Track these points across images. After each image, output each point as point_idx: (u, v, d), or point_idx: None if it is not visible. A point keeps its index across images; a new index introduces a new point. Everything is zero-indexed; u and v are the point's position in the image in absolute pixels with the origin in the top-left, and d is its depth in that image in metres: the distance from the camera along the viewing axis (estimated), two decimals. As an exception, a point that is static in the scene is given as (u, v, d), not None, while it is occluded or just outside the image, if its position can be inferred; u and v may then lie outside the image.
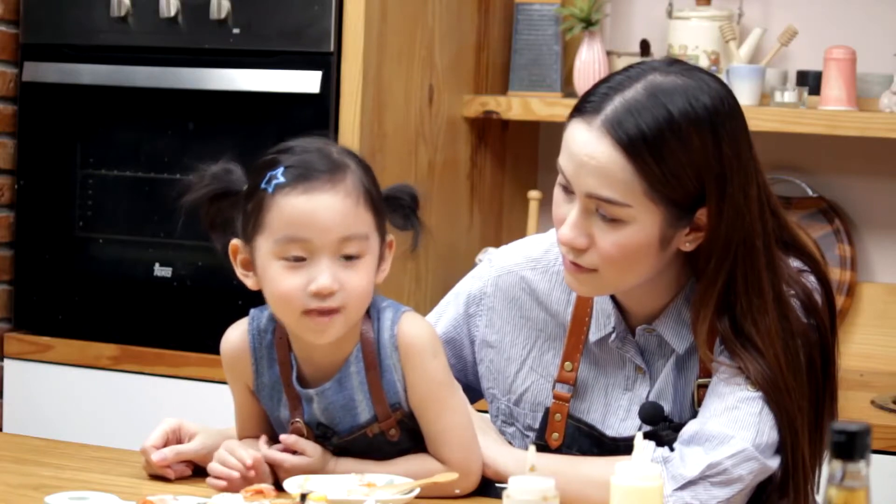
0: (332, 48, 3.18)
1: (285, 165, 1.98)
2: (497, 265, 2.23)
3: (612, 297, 2.11)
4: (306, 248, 1.95)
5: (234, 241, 2.03)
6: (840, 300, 3.35)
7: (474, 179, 3.55)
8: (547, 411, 2.15)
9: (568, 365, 2.15)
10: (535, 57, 3.54)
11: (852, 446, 1.35)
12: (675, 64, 2.01)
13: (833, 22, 3.45)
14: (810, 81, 3.34)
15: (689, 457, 1.97)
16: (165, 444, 2.11)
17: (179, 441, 2.13)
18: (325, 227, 1.94)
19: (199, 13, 3.27)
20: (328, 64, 3.18)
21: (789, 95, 3.27)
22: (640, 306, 2.10)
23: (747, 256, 1.98)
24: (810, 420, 2.01)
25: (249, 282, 2.03)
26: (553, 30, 3.53)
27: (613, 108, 1.94)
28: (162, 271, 3.36)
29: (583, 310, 2.14)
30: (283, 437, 2.05)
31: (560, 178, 2.01)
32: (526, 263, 2.21)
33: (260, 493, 1.93)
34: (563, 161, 1.99)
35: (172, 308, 3.35)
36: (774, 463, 1.99)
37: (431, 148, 3.40)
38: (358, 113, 3.16)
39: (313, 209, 1.95)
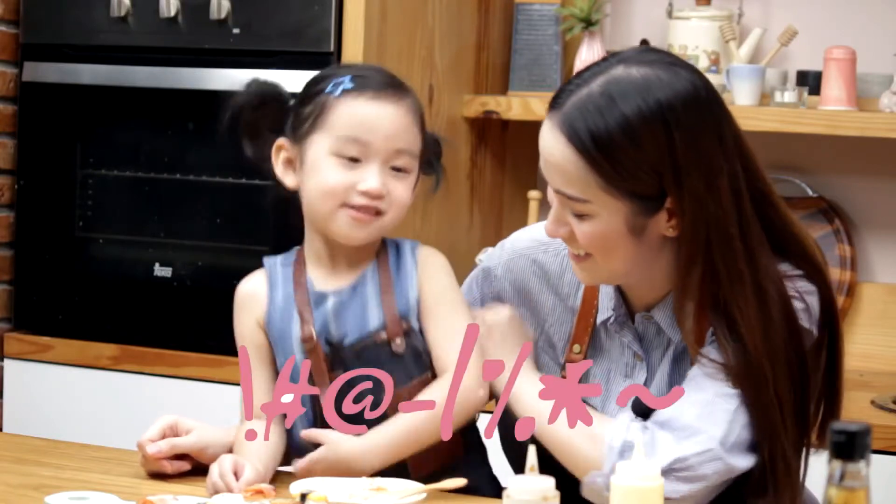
0: (332, 48, 3.18)
1: (353, 75, 2.09)
2: (509, 249, 2.26)
3: None
4: (363, 150, 2.05)
5: (280, 140, 2.12)
6: (840, 300, 3.34)
7: (474, 179, 3.55)
8: None
9: (576, 347, 2.16)
10: (535, 57, 3.54)
11: (852, 446, 1.35)
12: (645, 53, 2.01)
13: (833, 22, 3.44)
14: (810, 81, 3.34)
15: (659, 444, 1.95)
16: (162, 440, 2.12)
17: (176, 437, 2.13)
18: (387, 133, 2.07)
19: (199, 13, 3.27)
20: (328, 64, 3.17)
21: (789, 95, 3.27)
22: (640, 293, 2.11)
23: (721, 245, 1.97)
24: (793, 415, 2.00)
25: (289, 179, 2.12)
26: (553, 30, 3.52)
27: (571, 106, 1.96)
28: (162, 271, 3.36)
29: (592, 293, 2.16)
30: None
31: None
32: (538, 246, 2.22)
33: (260, 493, 1.93)
34: (540, 159, 2.02)
35: (172, 308, 3.35)
36: (743, 463, 1.97)
37: (431, 148, 3.40)
38: (358, 113, 3.16)
39: (378, 115, 2.07)
